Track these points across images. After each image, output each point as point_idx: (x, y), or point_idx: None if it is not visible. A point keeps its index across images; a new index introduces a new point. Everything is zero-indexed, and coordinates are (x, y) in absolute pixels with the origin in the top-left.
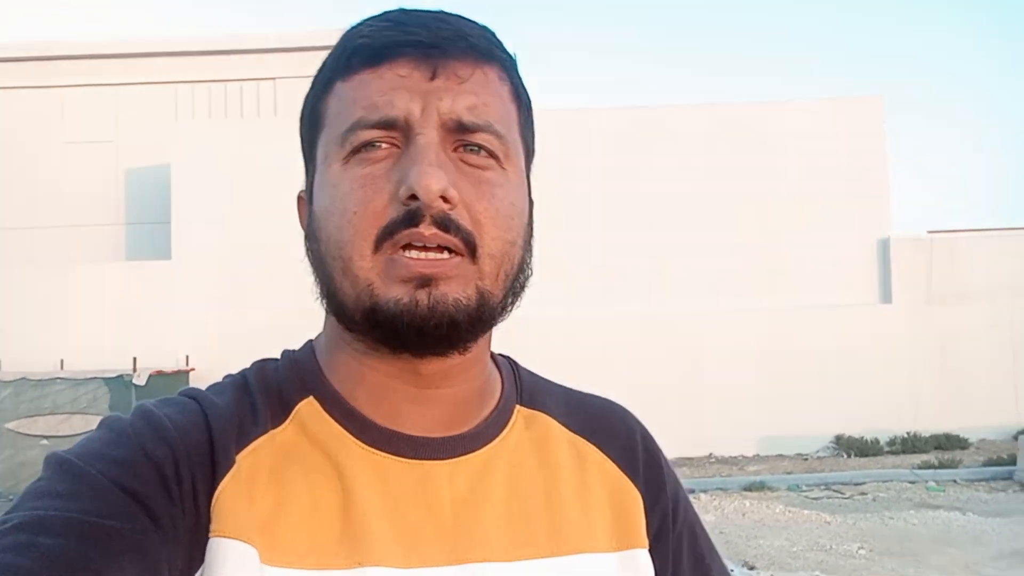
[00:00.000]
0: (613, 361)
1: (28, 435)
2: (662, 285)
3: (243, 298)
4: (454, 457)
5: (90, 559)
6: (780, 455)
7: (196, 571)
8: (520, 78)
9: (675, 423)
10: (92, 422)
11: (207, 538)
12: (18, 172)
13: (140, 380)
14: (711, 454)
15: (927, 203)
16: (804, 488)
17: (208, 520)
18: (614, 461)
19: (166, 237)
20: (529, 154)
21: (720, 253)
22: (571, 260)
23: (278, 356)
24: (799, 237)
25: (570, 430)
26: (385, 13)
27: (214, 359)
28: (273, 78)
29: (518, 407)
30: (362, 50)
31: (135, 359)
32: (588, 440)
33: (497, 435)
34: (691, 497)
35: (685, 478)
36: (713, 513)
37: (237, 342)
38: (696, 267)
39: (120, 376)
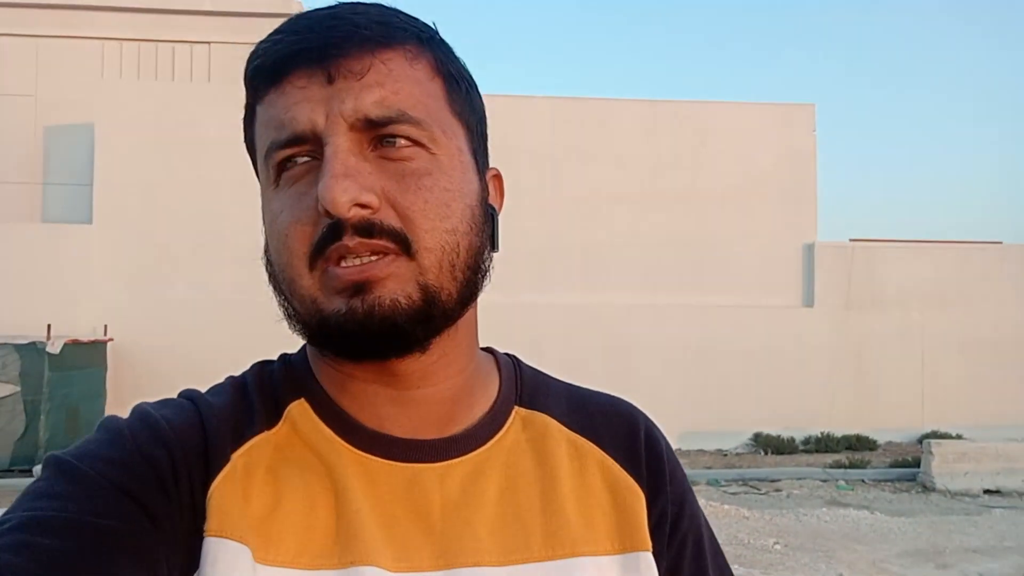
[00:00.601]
0: (543, 350)
1: None
2: (594, 277)
3: (168, 268)
4: (445, 460)
5: (88, 559)
6: (701, 450)
7: (193, 570)
8: (443, 50)
9: None
10: (1, 389)
11: (202, 537)
12: None
13: (54, 348)
14: None
15: (852, 212)
16: (723, 483)
17: (203, 519)
18: (616, 459)
19: (87, 200)
20: (471, 127)
21: (653, 248)
22: (505, 246)
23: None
24: (729, 237)
25: (570, 429)
26: (281, 26)
27: (134, 330)
28: (208, 42)
29: (516, 408)
30: (260, 71)
31: (49, 326)
32: (589, 439)
33: (492, 437)
34: None
35: None
36: None
37: (160, 313)
38: (628, 260)
39: (33, 343)
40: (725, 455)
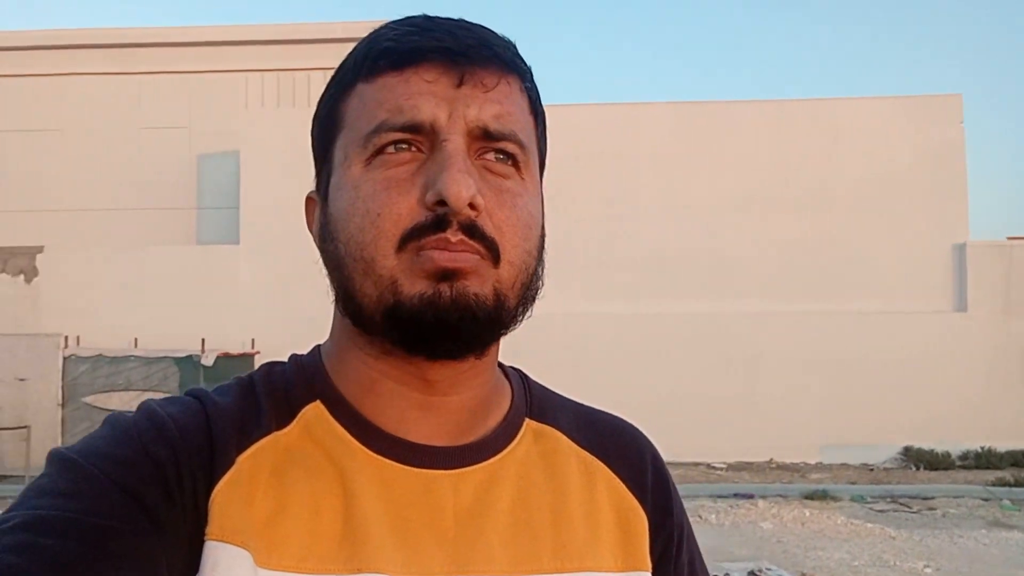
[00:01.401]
0: (666, 362)
1: (104, 409)
2: (719, 285)
3: (306, 284)
4: (460, 467)
5: (89, 560)
6: (844, 464)
7: (195, 574)
8: (537, 91)
9: (732, 427)
10: None
11: (203, 541)
12: (97, 156)
13: (208, 361)
14: (772, 460)
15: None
16: (869, 500)
17: (205, 522)
18: (623, 480)
19: (235, 222)
20: (542, 166)
21: (782, 253)
22: (625, 254)
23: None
24: (868, 239)
25: (579, 446)
26: (410, 18)
27: (278, 342)
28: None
29: (527, 420)
30: (388, 53)
31: (203, 340)
32: (597, 457)
33: (504, 447)
34: (749, 503)
35: (744, 483)
36: (771, 520)
37: (300, 326)
38: (755, 267)
39: (189, 356)
40: (871, 470)
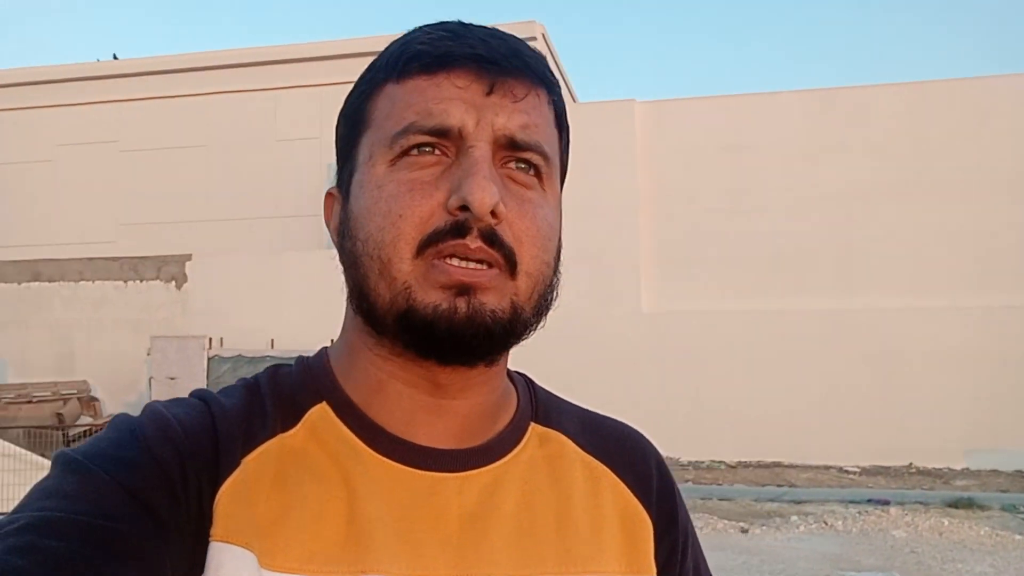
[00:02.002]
0: (793, 361)
1: None
2: (850, 280)
3: None
4: (465, 470)
5: (93, 562)
6: (995, 470)
7: (199, 575)
8: (563, 105)
9: (867, 429)
10: None
11: (208, 542)
12: (237, 168)
13: None
14: (911, 464)
15: None
16: (1022, 509)
17: (210, 523)
18: (627, 486)
19: None
20: (563, 178)
21: (923, 244)
22: (750, 250)
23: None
24: (1018, 227)
25: (584, 451)
26: (443, 23)
27: None
28: None
29: (533, 424)
30: (420, 56)
31: (332, 341)
32: (602, 462)
33: (510, 451)
34: (881, 509)
35: (879, 488)
36: (904, 529)
37: None
38: (893, 260)
39: None
40: None
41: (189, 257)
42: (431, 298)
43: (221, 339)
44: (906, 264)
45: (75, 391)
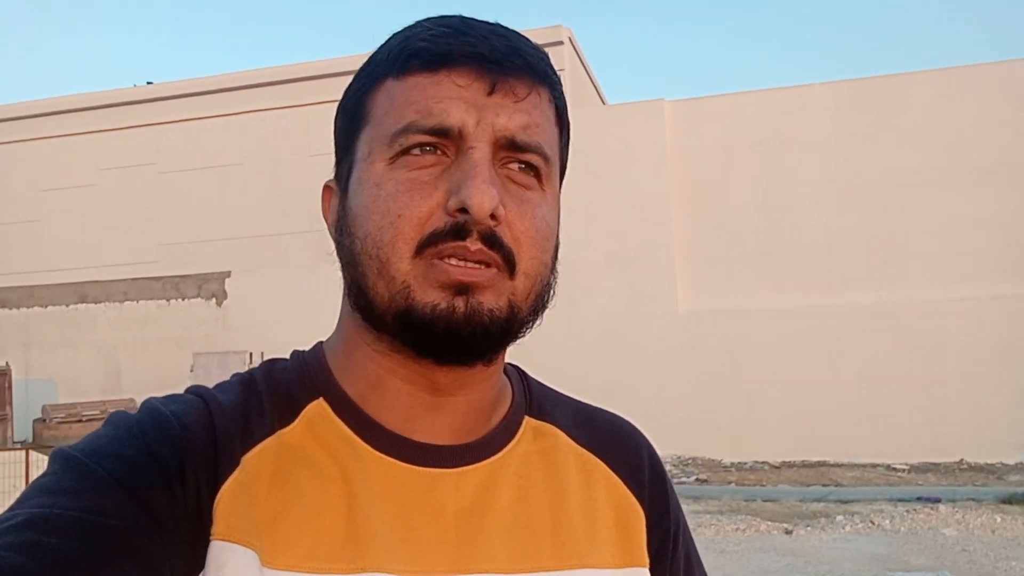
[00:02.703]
0: (838, 357)
1: None
2: (893, 271)
3: None
4: (461, 466)
5: (92, 559)
6: None
7: (198, 574)
8: (565, 103)
9: (915, 424)
10: None
11: (208, 541)
12: (273, 185)
13: None
14: (962, 460)
15: None
16: None
17: (210, 522)
18: (620, 477)
19: None
20: (563, 174)
21: (964, 234)
22: (787, 246)
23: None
24: None
25: (578, 443)
26: (444, 18)
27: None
28: None
29: (527, 418)
30: (422, 53)
31: None
32: (595, 454)
33: (505, 445)
34: (930, 507)
35: (929, 485)
36: (955, 527)
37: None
38: (933, 250)
39: None
40: None
41: (228, 274)
42: (430, 297)
43: (262, 353)
44: (946, 253)
45: (122, 409)
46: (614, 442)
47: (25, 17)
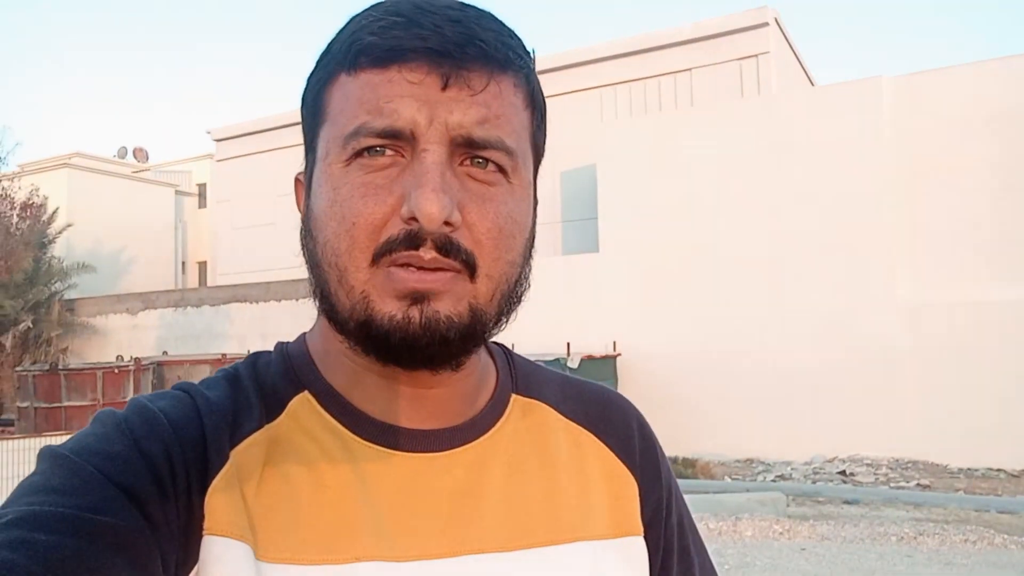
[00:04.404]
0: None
1: None
2: None
3: (662, 287)
4: (451, 449)
5: (85, 556)
6: None
7: (191, 570)
8: (537, 81)
9: None
10: None
11: (201, 536)
12: None
13: (573, 363)
14: None
15: None
16: None
17: (202, 517)
18: (611, 448)
19: (594, 231)
20: (538, 159)
21: None
22: (942, 236)
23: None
24: None
25: (567, 418)
26: (397, 6)
27: (638, 346)
28: (689, 69)
29: (514, 396)
30: (371, 48)
31: (568, 344)
32: (584, 427)
33: (493, 425)
34: None
35: None
36: None
37: (658, 330)
38: None
39: (557, 359)
40: None
41: None
42: (387, 308)
43: None
44: None
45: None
46: (602, 414)
47: None
